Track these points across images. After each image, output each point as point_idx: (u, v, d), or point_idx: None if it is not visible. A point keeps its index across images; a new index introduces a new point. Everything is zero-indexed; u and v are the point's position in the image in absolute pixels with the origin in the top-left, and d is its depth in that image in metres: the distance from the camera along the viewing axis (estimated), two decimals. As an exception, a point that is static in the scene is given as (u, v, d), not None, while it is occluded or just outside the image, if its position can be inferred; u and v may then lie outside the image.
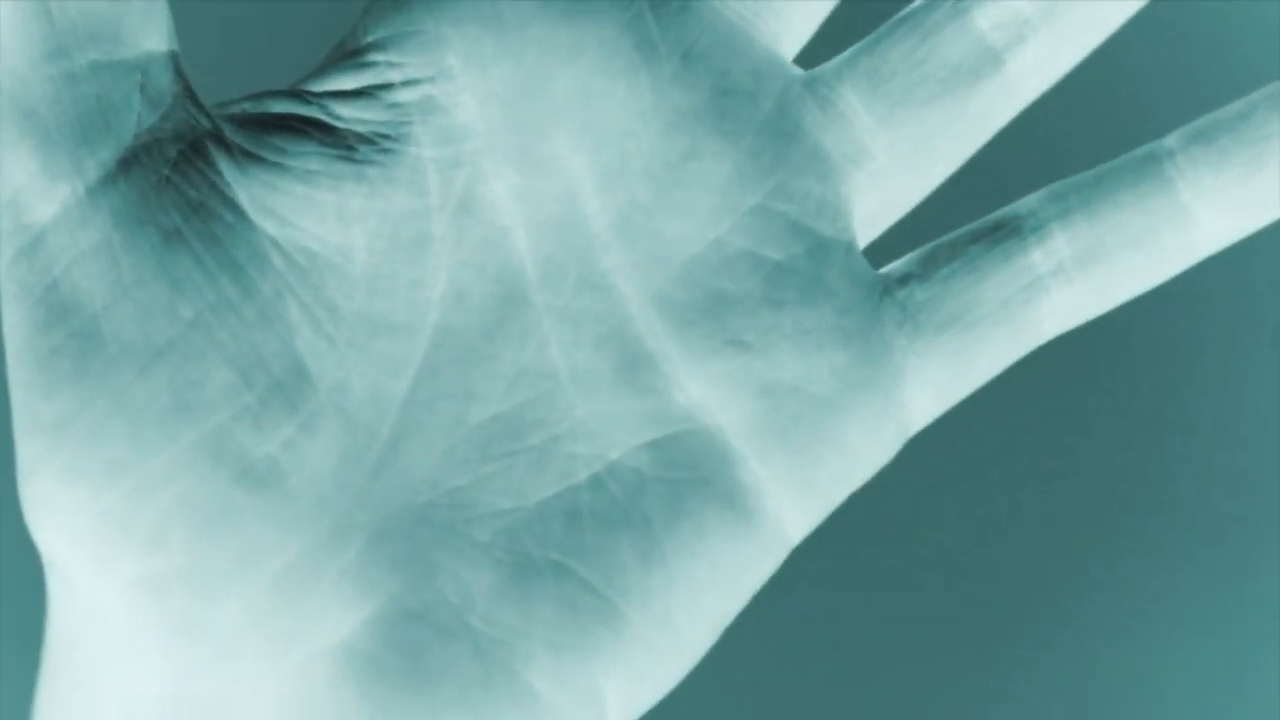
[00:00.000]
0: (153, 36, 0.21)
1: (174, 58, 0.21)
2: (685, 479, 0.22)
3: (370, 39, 0.22)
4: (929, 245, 0.23)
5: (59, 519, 0.21)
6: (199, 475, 0.21)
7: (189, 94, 0.21)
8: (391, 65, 0.22)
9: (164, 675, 0.21)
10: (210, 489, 0.21)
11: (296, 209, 0.21)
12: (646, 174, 0.22)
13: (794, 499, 0.22)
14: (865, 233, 0.23)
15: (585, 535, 0.22)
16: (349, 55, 0.22)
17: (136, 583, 0.21)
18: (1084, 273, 0.23)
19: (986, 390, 0.45)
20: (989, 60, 0.23)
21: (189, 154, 0.21)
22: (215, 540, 0.21)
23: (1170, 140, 0.23)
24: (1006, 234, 0.23)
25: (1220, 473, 0.46)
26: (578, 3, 0.22)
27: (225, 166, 0.21)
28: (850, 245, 0.23)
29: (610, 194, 0.22)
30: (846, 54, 0.23)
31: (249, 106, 0.22)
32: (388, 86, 0.22)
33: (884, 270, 0.23)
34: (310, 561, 0.21)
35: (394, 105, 0.22)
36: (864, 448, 0.22)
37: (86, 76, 0.21)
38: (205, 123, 0.21)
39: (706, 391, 0.22)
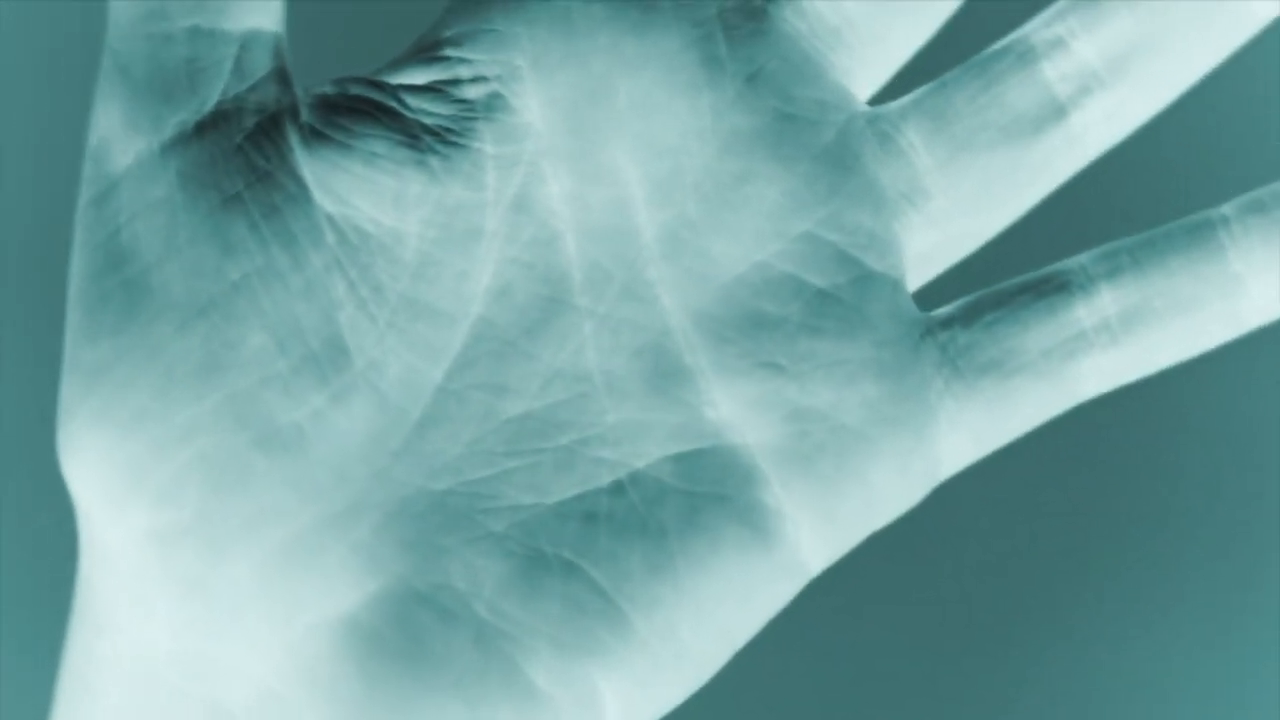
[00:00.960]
0: (260, 17, 0.22)
1: (277, 39, 0.22)
2: (706, 494, 0.22)
3: (446, 34, 0.23)
4: (977, 293, 0.23)
5: (85, 462, 0.21)
6: (220, 435, 0.21)
7: (282, 75, 0.22)
8: (463, 61, 0.23)
9: (172, 631, 0.21)
10: (230, 449, 0.21)
11: (356, 189, 0.22)
12: (698, 191, 0.23)
13: (813, 528, 0.22)
14: (919, 274, 0.23)
15: (600, 538, 0.22)
16: (425, 50, 0.23)
17: (148, 534, 0.21)
18: (1129, 333, 0.22)
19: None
20: (1053, 111, 0.23)
21: (266, 126, 0.22)
22: (228, 500, 0.21)
23: (1226, 208, 0.23)
24: (1054, 288, 0.23)
25: (1220, 473, 0.46)
26: (649, 14, 0.23)
27: (296, 142, 0.22)
28: (897, 282, 0.23)
29: (661, 207, 0.23)
30: (913, 95, 0.23)
31: (330, 89, 0.23)
32: (457, 82, 0.22)
33: (930, 313, 0.23)
34: (322, 533, 0.21)
35: (461, 100, 0.22)
36: (889, 485, 0.22)
37: (182, 40, 0.22)
38: (288, 101, 0.22)
39: (737, 411, 0.22)
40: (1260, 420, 0.46)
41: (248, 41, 0.22)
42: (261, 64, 0.22)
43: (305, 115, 0.22)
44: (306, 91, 0.23)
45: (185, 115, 0.22)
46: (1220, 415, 0.46)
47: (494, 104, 0.22)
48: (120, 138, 0.22)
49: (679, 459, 0.22)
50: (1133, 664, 0.46)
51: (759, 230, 0.23)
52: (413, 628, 0.21)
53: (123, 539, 0.21)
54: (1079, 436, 0.46)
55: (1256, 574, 0.46)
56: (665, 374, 0.22)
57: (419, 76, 0.23)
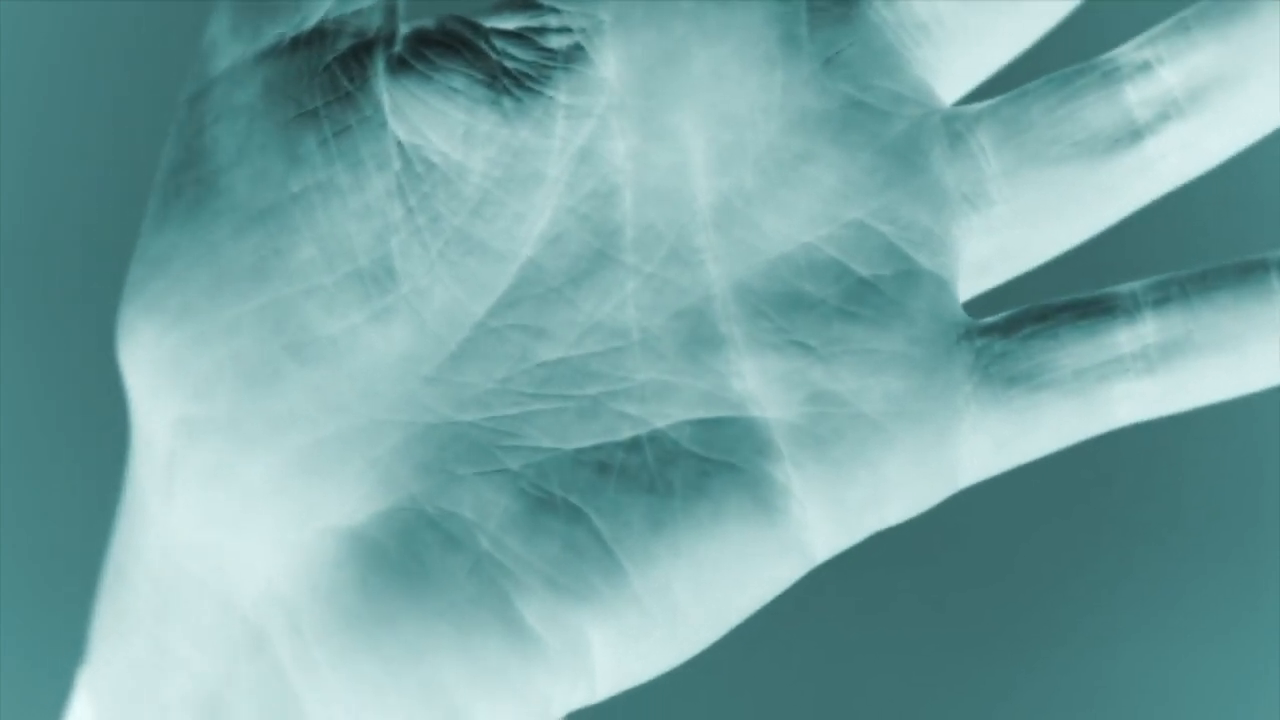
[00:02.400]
0: None
1: None
2: (718, 461, 0.22)
3: None
4: (1024, 306, 0.23)
5: (136, 347, 0.22)
6: (257, 337, 0.22)
7: (390, 8, 0.23)
8: (552, 11, 0.23)
9: (194, 522, 0.22)
10: (263, 352, 0.22)
11: (429, 120, 0.23)
12: (758, 165, 0.23)
13: (821, 511, 0.22)
14: (976, 282, 0.23)
15: (608, 489, 0.22)
16: None
17: (179, 423, 0.22)
18: (1167, 364, 0.22)
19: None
20: (1129, 133, 0.22)
21: (358, 50, 0.23)
22: (257, 400, 0.22)
23: None
24: (1098, 310, 0.22)
25: (1221, 472, 0.45)
26: None
27: (382, 68, 0.23)
28: (945, 282, 0.23)
29: (720, 176, 0.23)
30: (992, 100, 0.23)
31: (429, 24, 0.23)
32: (543, 30, 0.23)
33: (975, 320, 0.23)
34: (343, 444, 0.22)
35: (544, 49, 0.23)
36: (902, 480, 0.22)
37: None
38: (388, 29, 0.23)
39: (762, 385, 0.23)
40: (1261, 420, 0.45)
41: None
42: None
43: (399, 45, 0.23)
44: (408, 24, 0.23)
45: (284, 28, 0.23)
46: (1221, 415, 0.45)
47: (574, 55, 0.23)
48: (224, 41, 0.23)
49: (699, 424, 0.22)
50: (1132, 664, 0.46)
51: (812, 212, 0.23)
52: (415, 548, 0.22)
53: (159, 427, 0.22)
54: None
55: (1257, 574, 0.45)
56: (699, 340, 0.23)
57: (510, 22, 0.23)
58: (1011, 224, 0.23)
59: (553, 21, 0.23)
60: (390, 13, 0.23)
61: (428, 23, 0.23)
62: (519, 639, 0.22)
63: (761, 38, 0.23)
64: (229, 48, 0.23)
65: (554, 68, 0.23)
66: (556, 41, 0.23)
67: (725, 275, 0.23)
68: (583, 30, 0.23)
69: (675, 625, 0.22)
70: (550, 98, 0.23)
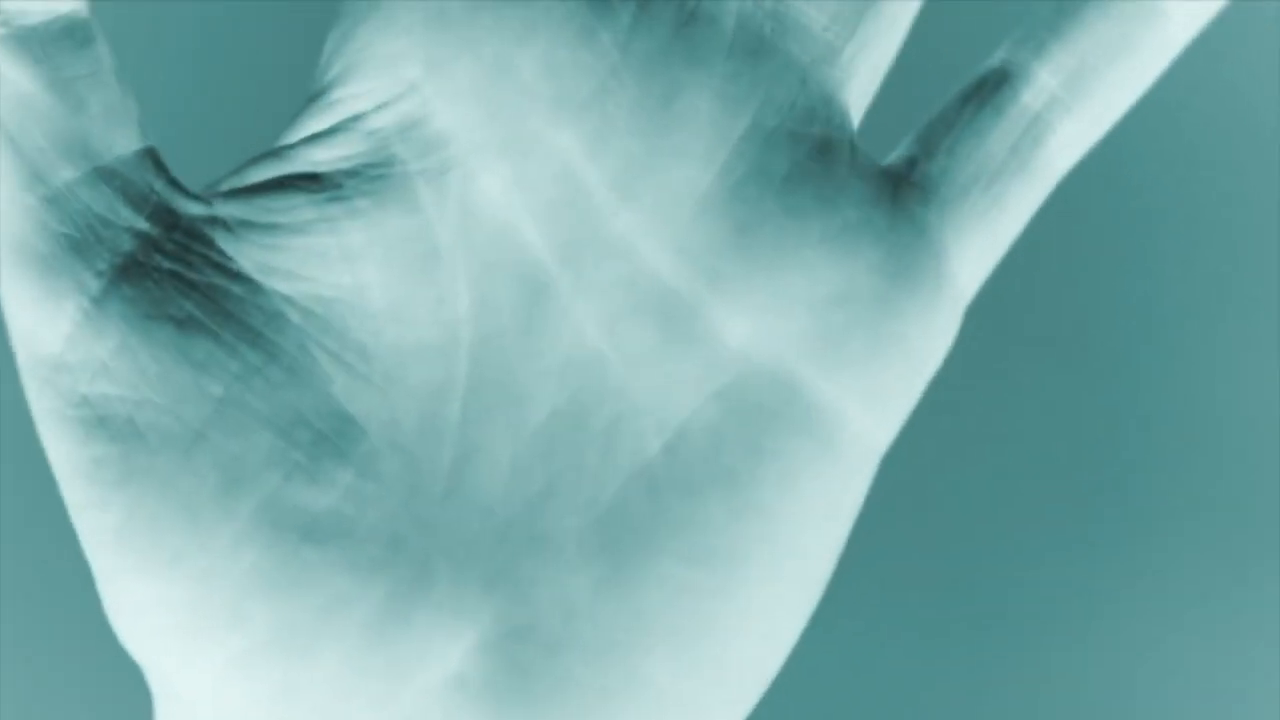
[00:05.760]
0: (122, 139, 0.21)
1: (150, 154, 0.21)
2: (758, 420, 0.21)
3: (331, 75, 0.22)
4: (921, 126, 0.23)
5: (141, 619, 0.21)
6: (265, 543, 0.21)
7: (173, 185, 0.22)
8: (357, 95, 0.22)
9: None
10: (279, 554, 0.21)
11: (301, 262, 0.21)
12: (633, 128, 0.22)
13: (869, 408, 0.22)
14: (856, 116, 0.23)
15: (671, 506, 0.21)
16: (316, 98, 0.22)
17: (228, 664, 0.21)
18: (1078, 98, 0.22)
19: (985, 387, 0.45)
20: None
21: (185, 241, 0.21)
22: (296, 603, 0.21)
23: None
24: (992, 88, 0.23)
25: (1220, 471, 0.46)
26: None
27: (224, 242, 0.21)
28: (851, 142, 0.22)
29: (603, 158, 0.22)
30: None
31: (235, 181, 0.22)
32: (359, 117, 0.22)
33: (888, 163, 0.23)
34: (398, 602, 0.21)
35: (371, 133, 0.22)
36: (925, 335, 0.22)
37: (66, 195, 0.21)
38: (195, 208, 0.21)
39: (754, 325, 0.22)
40: (1260, 415, 0.46)
41: (123, 170, 0.21)
42: (148, 185, 0.21)
43: (221, 210, 0.22)
44: (210, 190, 0.22)
45: (102, 264, 0.21)
46: (1220, 412, 0.46)
47: (404, 123, 0.22)
48: (44, 313, 0.21)
49: (718, 396, 0.22)
50: (1132, 663, 0.46)
51: (704, 142, 0.22)
52: (521, 667, 0.21)
53: (201, 679, 0.21)
54: (1079, 436, 0.46)
55: (1257, 573, 0.46)
56: (671, 319, 0.22)
57: (318, 124, 0.22)
58: (858, 58, 0.23)
59: (364, 105, 0.22)
60: (181, 193, 0.22)
61: (231, 180, 0.22)
62: (658, 702, 0.21)
63: (570, 13, 0.22)
64: (55, 316, 0.21)
65: (390, 145, 0.22)
66: (379, 121, 0.22)
67: (660, 245, 0.22)
68: (399, 96, 0.22)
69: (797, 589, 0.22)
70: (401, 173, 0.22)
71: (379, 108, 0.22)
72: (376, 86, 0.22)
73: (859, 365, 0.22)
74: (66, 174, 0.21)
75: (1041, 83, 0.22)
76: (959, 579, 0.45)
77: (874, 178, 0.22)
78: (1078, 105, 0.23)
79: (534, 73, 0.22)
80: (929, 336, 0.22)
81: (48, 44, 0.21)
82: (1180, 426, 0.46)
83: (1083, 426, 0.46)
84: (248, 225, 0.21)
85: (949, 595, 0.45)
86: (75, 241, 0.21)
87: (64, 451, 0.21)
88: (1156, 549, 0.46)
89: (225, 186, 0.22)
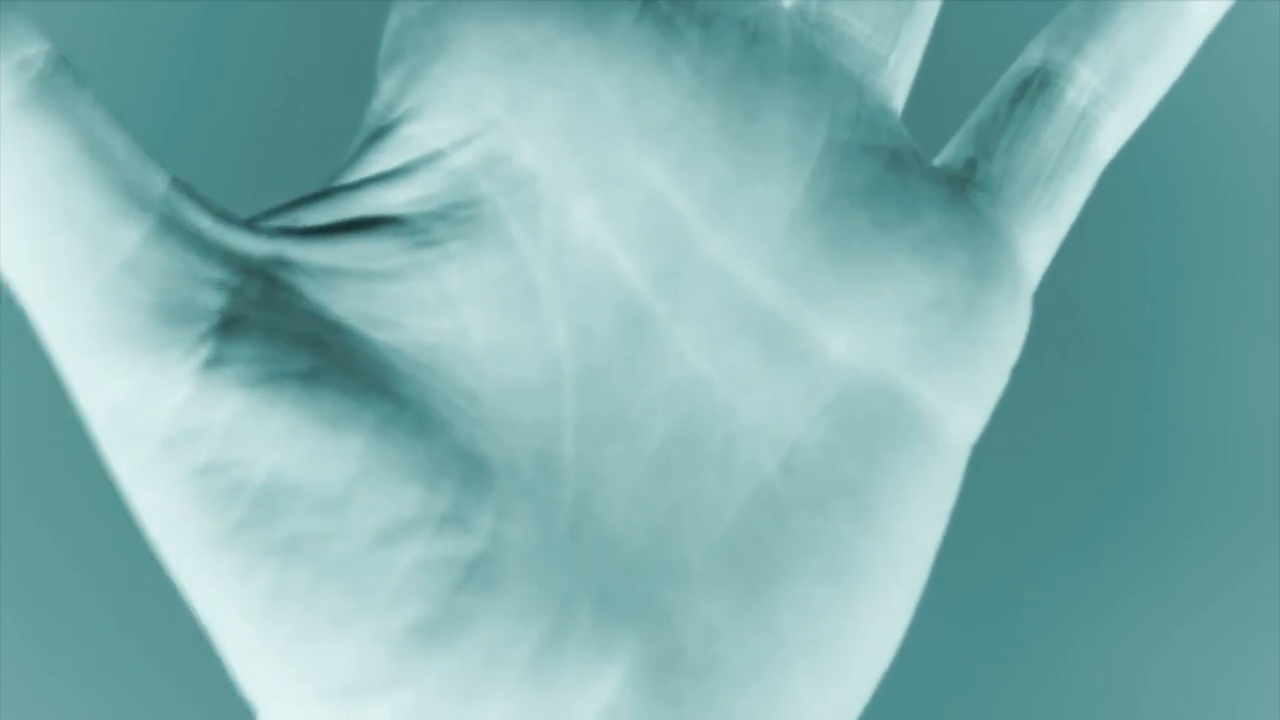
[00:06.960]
0: (154, 176, 0.20)
1: (179, 183, 0.20)
2: (868, 429, 0.22)
3: (400, 112, 0.21)
4: (970, 126, 0.24)
5: (299, 690, 0.20)
6: (425, 595, 0.20)
7: (221, 217, 0.21)
8: (433, 133, 0.21)
9: None
10: (439, 605, 0.20)
11: (402, 310, 0.21)
12: (718, 151, 0.22)
13: (966, 406, 0.22)
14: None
15: (797, 523, 0.21)
16: (381, 134, 0.21)
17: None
18: (1118, 92, 0.23)
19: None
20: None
21: (268, 289, 0.20)
22: (458, 654, 0.20)
23: None
24: (1039, 88, 0.23)
25: (1221, 472, 0.46)
26: (590, 7, 0.22)
27: (310, 290, 0.20)
28: (913, 149, 0.23)
29: (691, 183, 0.22)
30: None
31: (290, 219, 0.21)
32: (438, 155, 0.21)
33: (947, 166, 0.23)
34: (552, 641, 0.20)
35: (453, 171, 0.21)
36: (1009, 329, 0.23)
37: (140, 258, 0.20)
38: (255, 244, 0.20)
39: (853, 337, 0.22)
40: (1259, 414, 0.46)
41: (172, 210, 0.20)
42: (193, 220, 0.20)
43: (296, 253, 0.21)
44: (263, 220, 0.21)
45: (203, 325, 0.20)
46: (1220, 415, 0.46)
47: (488, 161, 0.21)
48: (149, 389, 0.20)
49: (827, 411, 0.22)
50: (1132, 663, 0.46)
51: (789, 160, 0.22)
52: (671, 696, 0.21)
53: None
54: (1078, 436, 0.46)
55: (1258, 573, 0.46)
56: (773, 338, 0.22)
57: (388, 161, 0.21)
58: (902, 64, 0.23)
59: (442, 143, 0.21)
60: (245, 233, 0.20)
61: (289, 215, 0.21)
62: (797, 717, 0.22)
63: (643, 39, 0.22)
64: (162, 387, 0.20)
65: (476, 184, 0.21)
66: (461, 159, 0.21)
67: (754, 266, 0.22)
68: (480, 133, 0.21)
69: (909, 596, 0.22)
70: (492, 213, 0.21)
71: (458, 145, 0.21)
72: (455, 124, 0.21)
73: (956, 366, 0.22)
74: (133, 234, 0.19)
75: (1084, 80, 0.23)
76: (959, 579, 0.45)
77: (944, 184, 0.23)
78: (1119, 100, 0.23)
79: (617, 101, 0.21)
80: (1012, 330, 0.23)
81: (62, 94, 0.19)
82: (1180, 426, 0.46)
83: (1083, 426, 0.46)
84: (337, 273, 0.21)
85: (949, 595, 0.45)
86: (163, 307, 0.20)
87: (194, 522, 0.20)
88: (1157, 549, 0.46)
89: (280, 223, 0.21)
